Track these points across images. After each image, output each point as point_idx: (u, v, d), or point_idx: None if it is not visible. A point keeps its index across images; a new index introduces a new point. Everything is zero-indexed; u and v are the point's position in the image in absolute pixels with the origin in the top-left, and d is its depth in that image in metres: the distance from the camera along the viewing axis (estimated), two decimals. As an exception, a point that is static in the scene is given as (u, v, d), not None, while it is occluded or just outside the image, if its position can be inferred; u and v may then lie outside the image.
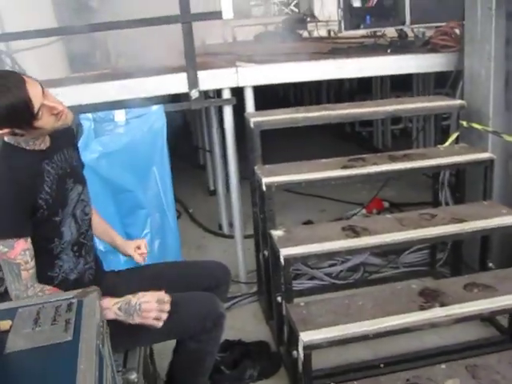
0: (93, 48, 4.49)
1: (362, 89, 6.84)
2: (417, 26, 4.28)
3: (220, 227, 4.60)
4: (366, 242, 2.63)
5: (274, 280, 2.85)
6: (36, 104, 1.77)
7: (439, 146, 3.36)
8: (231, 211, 3.75)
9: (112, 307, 1.90)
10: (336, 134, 6.83)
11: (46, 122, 1.83)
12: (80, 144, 2.44)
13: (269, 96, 4.82)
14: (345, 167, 2.96)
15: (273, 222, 2.83)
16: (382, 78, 6.12)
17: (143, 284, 2.12)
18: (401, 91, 5.96)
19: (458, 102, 3.37)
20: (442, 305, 2.39)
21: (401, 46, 4.15)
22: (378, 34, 5.03)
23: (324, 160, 3.10)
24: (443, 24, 3.80)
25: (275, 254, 2.67)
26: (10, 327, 1.41)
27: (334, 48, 4.63)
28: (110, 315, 1.88)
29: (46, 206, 1.91)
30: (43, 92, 1.81)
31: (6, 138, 1.90)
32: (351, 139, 6.94)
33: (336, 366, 2.79)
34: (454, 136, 3.34)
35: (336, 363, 2.81)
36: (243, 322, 3.29)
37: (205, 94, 3.59)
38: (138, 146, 3.23)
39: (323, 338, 2.25)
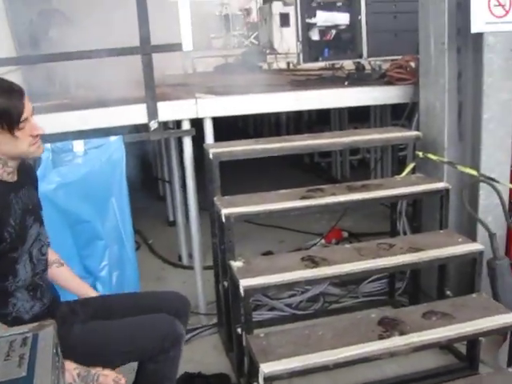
0: (52, 78, 4.45)
1: (320, 120, 6.94)
2: (373, 58, 4.40)
3: (179, 258, 4.56)
4: (325, 272, 2.64)
5: (233, 311, 2.83)
6: (25, 114, 1.90)
7: (396, 176, 3.42)
8: (191, 242, 3.73)
9: (72, 371, 1.88)
10: (295, 165, 6.88)
11: (23, 138, 1.91)
12: (38, 174, 2.41)
13: (228, 127, 4.83)
14: (303, 198, 2.98)
15: (232, 252, 2.82)
16: (340, 110, 6.20)
17: (98, 314, 2.12)
18: (358, 123, 6.09)
19: (414, 133, 3.44)
20: (401, 333, 2.41)
21: (358, 78, 4.23)
22: (336, 66, 5.13)
23: (283, 191, 3.11)
24: (399, 57, 3.90)
25: (235, 284, 2.65)
26: (-38, 364, 1.37)
27: (292, 80, 4.70)
28: (69, 378, 1.85)
29: (9, 239, 1.89)
30: (32, 113, 1.96)
31: None
32: (310, 170, 7.00)
33: (297, 397, 2.77)
34: (410, 166, 3.40)
35: (297, 394, 2.79)
36: (203, 354, 3.24)
37: (164, 125, 3.59)
38: (96, 177, 3.20)
39: (284, 369, 2.23)
